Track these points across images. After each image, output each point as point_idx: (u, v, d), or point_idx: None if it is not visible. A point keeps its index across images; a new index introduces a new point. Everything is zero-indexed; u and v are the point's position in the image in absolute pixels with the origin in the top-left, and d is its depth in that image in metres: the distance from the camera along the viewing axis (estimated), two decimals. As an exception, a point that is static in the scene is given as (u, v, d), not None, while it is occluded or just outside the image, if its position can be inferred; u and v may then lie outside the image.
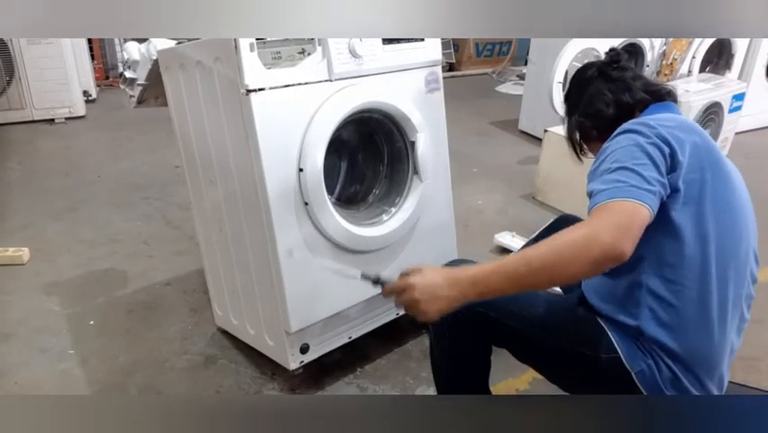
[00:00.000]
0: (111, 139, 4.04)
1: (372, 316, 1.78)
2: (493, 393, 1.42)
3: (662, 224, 1.04)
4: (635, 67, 3.67)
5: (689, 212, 1.06)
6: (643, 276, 1.09)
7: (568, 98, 1.41)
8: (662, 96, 1.28)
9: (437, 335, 1.29)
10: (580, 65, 3.29)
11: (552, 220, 1.62)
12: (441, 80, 1.76)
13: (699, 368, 1.10)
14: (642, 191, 0.99)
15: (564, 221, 1.56)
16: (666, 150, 1.05)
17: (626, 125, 1.13)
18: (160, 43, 1.73)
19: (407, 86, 1.67)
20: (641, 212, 0.97)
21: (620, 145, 1.08)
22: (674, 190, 1.05)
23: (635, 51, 3.53)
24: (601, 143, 1.23)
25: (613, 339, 1.13)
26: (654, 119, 1.13)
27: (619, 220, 0.95)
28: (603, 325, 1.15)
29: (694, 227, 1.06)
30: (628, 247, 0.94)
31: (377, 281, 1.12)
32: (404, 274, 1.06)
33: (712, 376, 1.12)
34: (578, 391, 1.26)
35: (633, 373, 1.11)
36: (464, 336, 1.24)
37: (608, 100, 1.28)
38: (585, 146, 1.39)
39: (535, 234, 1.64)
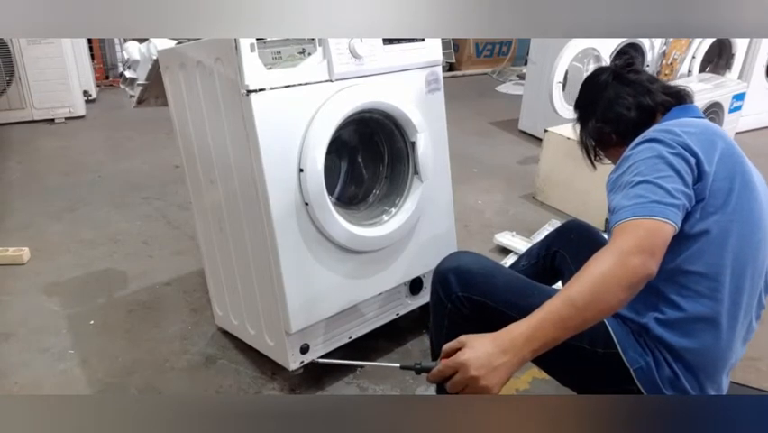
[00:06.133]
0: (111, 139, 4.04)
1: (372, 316, 1.78)
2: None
3: (683, 232, 1.02)
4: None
5: (711, 220, 1.04)
6: (657, 280, 1.07)
7: (580, 104, 1.38)
8: (682, 97, 1.26)
9: (436, 327, 1.28)
10: (580, 65, 3.28)
11: (559, 225, 1.61)
12: (441, 80, 1.76)
13: (701, 371, 1.09)
14: (664, 206, 0.98)
15: (573, 227, 1.55)
16: (692, 160, 1.03)
17: (648, 133, 1.10)
18: (160, 43, 1.73)
19: (408, 86, 1.67)
20: (664, 229, 0.97)
21: (643, 156, 1.05)
22: (699, 200, 1.04)
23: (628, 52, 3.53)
24: (620, 148, 1.21)
25: (613, 334, 1.12)
26: (678, 125, 1.10)
27: (643, 241, 0.95)
28: (604, 319, 1.14)
29: (715, 236, 1.05)
30: (655, 266, 0.94)
31: (419, 369, 1.04)
32: (446, 354, 0.98)
33: (713, 381, 1.12)
34: (576, 384, 1.25)
35: (631, 370, 1.11)
36: (463, 326, 1.22)
37: (628, 104, 1.26)
38: (601, 152, 1.37)
39: (542, 238, 1.63)
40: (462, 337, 0.97)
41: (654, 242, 0.95)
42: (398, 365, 1.11)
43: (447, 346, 0.98)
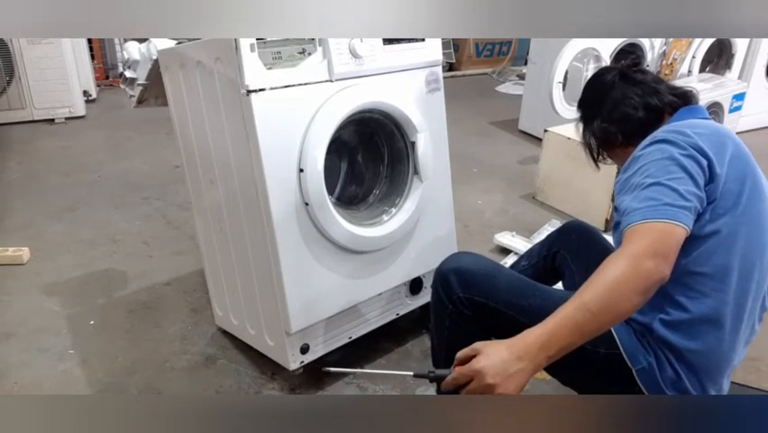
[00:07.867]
0: (111, 139, 4.04)
1: (372, 316, 1.78)
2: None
3: (691, 233, 1.01)
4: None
5: (720, 222, 1.04)
6: None
7: (584, 104, 1.37)
8: (688, 98, 1.25)
9: (437, 328, 1.28)
10: (580, 65, 3.28)
11: (560, 226, 1.60)
12: (441, 80, 1.76)
13: (704, 372, 1.09)
14: (676, 209, 0.97)
15: (574, 228, 1.54)
16: (704, 161, 1.03)
17: (658, 134, 1.09)
18: (160, 43, 1.73)
19: (408, 86, 1.67)
20: (676, 232, 0.96)
21: (653, 158, 1.05)
22: (710, 202, 1.03)
23: (634, 52, 3.53)
24: (625, 149, 1.20)
25: (616, 335, 1.12)
26: (688, 126, 1.10)
27: (656, 244, 0.94)
28: None
29: (724, 238, 1.04)
30: (668, 270, 0.94)
31: (433, 378, 1.02)
32: (460, 362, 0.96)
33: (714, 382, 1.12)
34: (577, 384, 1.25)
35: (633, 371, 1.10)
36: (464, 327, 1.22)
37: (635, 104, 1.24)
38: (604, 153, 1.35)
39: (543, 238, 1.62)
40: (476, 344, 0.96)
41: (667, 245, 0.95)
42: (411, 373, 1.08)
43: (461, 354, 0.97)
